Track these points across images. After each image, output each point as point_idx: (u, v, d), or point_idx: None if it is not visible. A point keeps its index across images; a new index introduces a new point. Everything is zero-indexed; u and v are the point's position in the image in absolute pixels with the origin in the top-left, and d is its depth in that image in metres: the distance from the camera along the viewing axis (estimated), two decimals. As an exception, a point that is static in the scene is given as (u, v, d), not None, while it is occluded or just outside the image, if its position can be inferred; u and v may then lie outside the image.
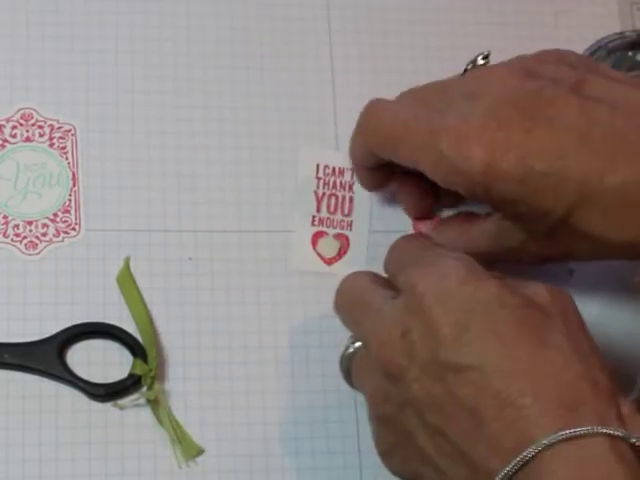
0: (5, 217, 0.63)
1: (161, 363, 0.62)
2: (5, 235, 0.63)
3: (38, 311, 0.62)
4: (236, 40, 0.69)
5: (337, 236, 0.66)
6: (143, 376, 0.61)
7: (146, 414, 0.61)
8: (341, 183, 0.67)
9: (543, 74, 0.57)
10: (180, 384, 0.62)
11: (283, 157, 0.68)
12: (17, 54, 0.67)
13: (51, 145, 0.65)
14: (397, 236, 0.66)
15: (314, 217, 0.67)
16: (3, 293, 0.62)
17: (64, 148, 0.65)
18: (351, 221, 0.67)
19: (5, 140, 0.65)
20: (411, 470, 0.54)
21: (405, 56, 0.71)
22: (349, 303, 0.58)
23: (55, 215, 0.64)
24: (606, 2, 0.74)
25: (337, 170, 0.67)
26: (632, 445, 0.48)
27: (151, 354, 0.61)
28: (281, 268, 0.65)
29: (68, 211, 0.64)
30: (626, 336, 0.66)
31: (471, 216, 0.62)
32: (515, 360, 0.50)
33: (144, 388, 0.61)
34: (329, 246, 0.66)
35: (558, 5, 0.73)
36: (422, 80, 0.70)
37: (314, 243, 0.66)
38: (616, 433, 0.48)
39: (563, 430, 0.47)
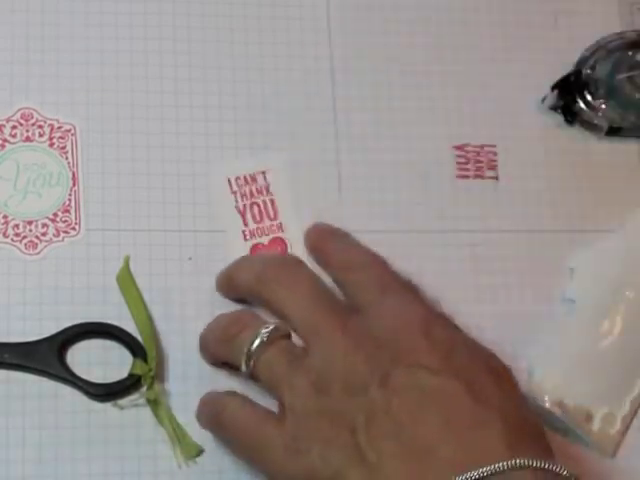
0: (5, 217, 0.63)
1: (161, 363, 0.62)
2: (5, 235, 0.63)
3: (38, 311, 0.62)
4: (236, 40, 0.69)
5: (272, 241, 0.66)
6: (143, 376, 0.61)
7: (146, 414, 0.61)
8: (257, 189, 0.66)
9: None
10: (180, 384, 0.62)
11: (283, 157, 0.68)
12: (17, 54, 0.67)
13: (51, 145, 0.65)
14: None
15: (244, 232, 0.66)
16: (3, 293, 0.62)
17: (64, 148, 0.65)
18: (280, 223, 0.66)
19: (5, 140, 0.65)
20: (329, 467, 0.53)
21: (405, 56, 0.71)
22: None
23: (55, 215, 0.64)
24: (606, 2, 0.74)
25: (249, 178, 0.67)
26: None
27: (151, 354, 0.61)
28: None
29: (68, 211, 0.64)
30: (627, 334, 0.66)
31: None
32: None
33: (144, 388, 0.61)
34: None
35: (558, 5, 0.73)
36: (422, 80, 0.70)
37: None
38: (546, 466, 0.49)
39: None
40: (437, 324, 0.55)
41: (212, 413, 0.59)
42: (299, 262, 0.62)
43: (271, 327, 0.58)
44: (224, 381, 0.62)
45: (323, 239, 0.64)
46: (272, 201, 0.66)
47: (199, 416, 0.61)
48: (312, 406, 0.54)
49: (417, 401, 0.51)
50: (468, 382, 0.52)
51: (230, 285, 0.63)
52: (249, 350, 0.58)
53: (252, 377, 0.58)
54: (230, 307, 0.64)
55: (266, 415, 0.57)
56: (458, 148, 0.69)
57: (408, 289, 0.59)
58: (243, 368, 0.58)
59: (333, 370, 0.54)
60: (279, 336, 0.58)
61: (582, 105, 0.69)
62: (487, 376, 0.53)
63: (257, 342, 0.57)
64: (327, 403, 0.53)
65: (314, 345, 0.56)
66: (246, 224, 0.66)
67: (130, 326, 0.62)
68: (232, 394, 0.60)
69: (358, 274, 0.60)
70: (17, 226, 0.63)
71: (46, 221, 0.64)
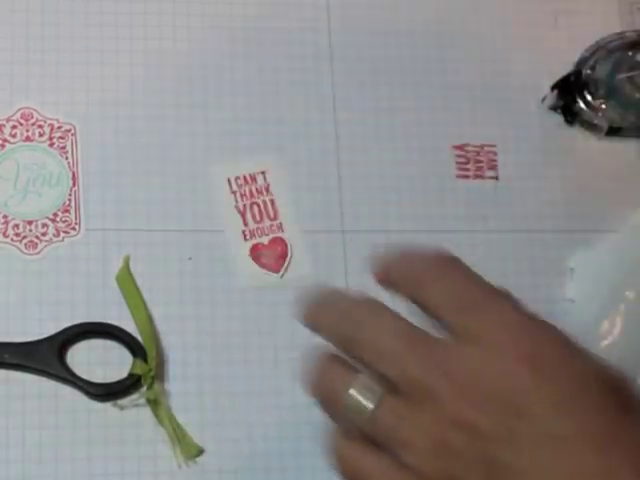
0: (5, 217, 0.63)
1: (161, 363, 0.62)
2: (5, 235, 0.63)
3: (38, 311, 0.62)
4: (236, 40, 0.69)
5: (272, 241, 0.66)
6: (143, 376, 0.61)
7: (146, 414, 0.61)
8: (257, 189, 0.66)
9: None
10: (180, 384, 0.62)
11: (283, 157, 0.68)
12: (17, 54, 0.67)
13: (51, 145, 0.65)
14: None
15: (244, 232, 0.66)
16: (3, 293, 0.62)
17: (64, 148, 0.65)
18: (280, 223, 0.66)
19: (5, 140, 0.65)
20: None
21: (405, 55, 0.71)
22: None
23: (55, 215, 0.64)
24: (606, 2, 0.74)
25: (249, 178, 0.67)
26: None
27: (151, 354, 0.61)
28: (281, 268, 0.66)
29: (68, 211, 0.64)
30: (627, 334, 0.66)
31: None
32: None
33: (144, 388, 0.61)
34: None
35: (558, 5, 0.73)
36: (422, 80, 0.70)
37: (255, 258, 0.65)
38: None
39: None
40: (540, 346, 0.50)
41: (337, 462, 0.54)
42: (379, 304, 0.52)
43: (375, 387, 0.51)
44: (225, 381, 0.62)
45: (385, 267, 0.54)
46: (272, 201, 0.66)
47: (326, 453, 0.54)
48: (435, 470, 0.51)
49: (540, 458, 0.48)
50: (586, 427, 0.48)
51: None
52: (355, 412, 0.51)
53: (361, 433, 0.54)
54: (232, 309, 0.64)
55: (394, 470, 0.51)
56: (458, 148, 0.69)
57: (497, 299, 0.51)
58: (350, 425, 0.53)
59: (448, 428, 0.51)
60: (385, 392, 0.51)
61: (582, 105, 0.69)
62: (605, 410, 0.48)
63: (364, 402, 0.51)
64: (450, 466, 0.50)
65: (422, 403, 0.50)
66: (246, 224, 0.66)
67: (130, 326, 0.62)
68: (350, 442, 0.53)
69: (430, 289, 0.52)
70: (17, 226, 0.63)
71: (46, 221, 0.64)
